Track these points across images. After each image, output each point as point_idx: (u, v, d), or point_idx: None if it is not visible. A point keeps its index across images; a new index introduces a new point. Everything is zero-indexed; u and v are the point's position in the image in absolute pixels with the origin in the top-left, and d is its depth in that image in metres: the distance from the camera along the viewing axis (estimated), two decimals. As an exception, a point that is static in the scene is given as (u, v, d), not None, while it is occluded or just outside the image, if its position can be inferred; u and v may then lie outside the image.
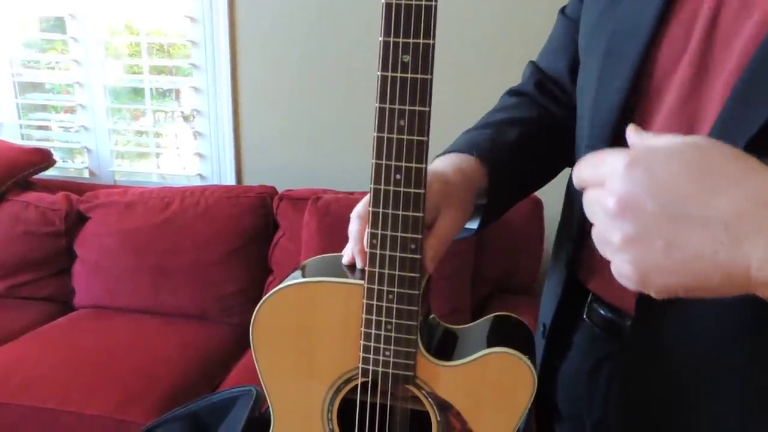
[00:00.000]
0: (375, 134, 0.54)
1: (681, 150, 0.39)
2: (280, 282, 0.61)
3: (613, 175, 0.40)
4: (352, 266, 0.61)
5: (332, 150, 2.10)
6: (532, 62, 0.79)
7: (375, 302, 0.58)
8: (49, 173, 2.18)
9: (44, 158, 2.11)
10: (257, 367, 0.64)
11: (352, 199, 1.78)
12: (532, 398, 0.59)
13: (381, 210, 0.56)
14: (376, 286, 0.58)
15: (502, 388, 0.59)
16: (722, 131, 0.49)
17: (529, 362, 0.58)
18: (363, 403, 0.64)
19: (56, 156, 2.17)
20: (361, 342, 0.60)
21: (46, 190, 2.08)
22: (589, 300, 0.65)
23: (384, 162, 0.54)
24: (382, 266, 0.57)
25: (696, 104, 0.53)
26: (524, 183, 0.73)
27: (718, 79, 0.51)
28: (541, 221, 1.83)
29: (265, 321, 0.62)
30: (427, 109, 0.53)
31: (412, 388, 0.61)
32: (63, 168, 2.34)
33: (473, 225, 0.67)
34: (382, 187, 0.55)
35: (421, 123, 0.53)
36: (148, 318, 1.89)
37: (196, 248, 1.89)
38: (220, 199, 1.93)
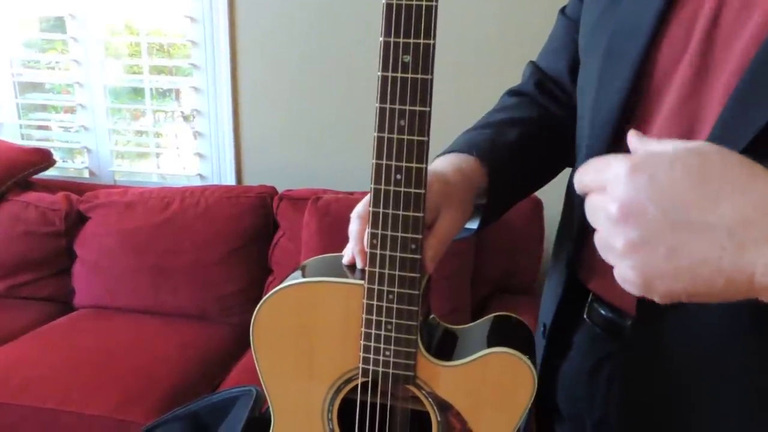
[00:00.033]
0: (375, 134, 0.54)
1: (684, 156, 0.39)
2: (280, 282, 0.61)
3: (615, 181, 0.40)
4: (352, 266, 0.61)
5: (332, 150, 2.10)
6: (532, 62, 0.79)
7: (375, 302, 0.58)
8: (49, 173, 2.18)
9: (44, 158, 2.11)
10: (257, 367, 0.64)
11: (352, 199, 1.78)
12: (533, 398, 0.59)
13: (381, 210, 0.56)
14: (376, 286, 0.58)
15: (502, 388, 0.59)
16: (723, 132, 0.49)
17: (529, 362, 0.58)
18: (363, 403, 0.64)
19: (56, 156, 2.17)
20: (362, 342, 0.60)
21: (46, 190, 2.08)
22: (589, 300, 0.65)
23: (384, 162, 0.54)
24: (382, 266, 0.57)
25: (696, 104, 0.53)
26: (524, 183, 0.73)
27: (719, 79, 0.51)
28: (541, 221, 1.83)
29: (265, 321, 0.62)
30: (428, 109, 0.53)
31: (412, 388, 0.61)
32: (63, 168, 2.34)
33: (473, 225, 0.67)
34: (383, 187, 0.55)
35: (421, 123, 0.53)
36: (148, 318, 1.89)
37: (196, 248, 1.89)
38: (220, 199, 1.93)
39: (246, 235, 1.91)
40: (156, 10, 2.14)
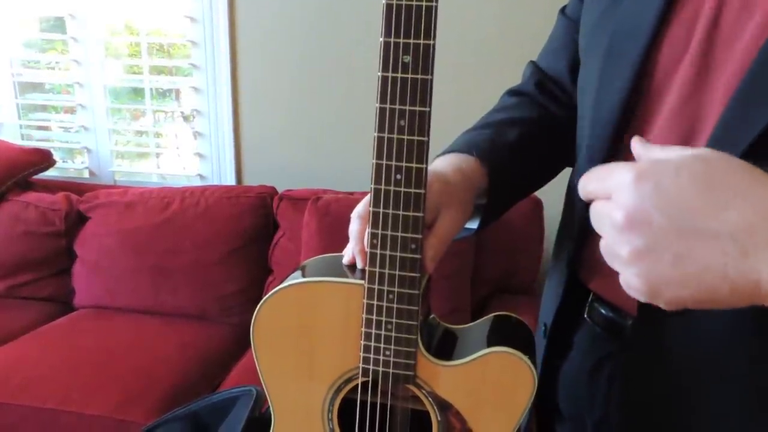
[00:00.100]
0: (375, 134, 0.54)
1: (688, 163, 0.39)
2: (281, 282, 0.61)
3: (620, 189, 0.41)
4: (352, 266, 0.61)
5: (332, 150, 2.10)
6: (532, 62, 0.79)
7: (375, 302, 0.58)
8: (49, 173, 2.18)
9: (44, 158, 2.11)
10: (257, 367, 0.64)
11: (352, 199, 1.78)
12: (532, 398, 0.59)
13: (381, 210, 0.56)
14: (376, 286, 0.58)
15: (502, 387, 0.59)
16: (724, 132, 0.49)
17: (529, 362, 0.58)
18: (363, 403, 0.64)
19: (56, 156, 2.17)
20: (362, 342, 0.60)
21: (46, 190, 2.08)
22: (590, 299, 0.65)
23: (384, 162, 0.55)
24: (382, 266, 0.57)
25: (697, 104, 0.53)
26: (524, 183, 0.73)
27: (720, 79, 0.51)
28: (541, 221, 1.83)
29: (265, 321, 0.62)
30: (428, 109, 0.53)
31: (412, 387, 0.61)
32: (63, 168, 2.34)
33: (473, 225, 0.67)
34: (383, 187, 0.55)
35: (421, 123, 0.53)
36: (148, 318, 1.89)
37: (196, 248, 1.89)
38: (220, 199, 1.93)
39: (246, 235, 1.91)
40: (156, 10, 2.14)
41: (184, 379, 1.61)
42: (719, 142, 0.48)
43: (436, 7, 0.50)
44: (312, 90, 2.06)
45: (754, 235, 0.37)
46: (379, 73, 0.52)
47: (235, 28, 2.04)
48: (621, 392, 0.61)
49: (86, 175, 2.32)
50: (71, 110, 2.33)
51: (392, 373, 0.60)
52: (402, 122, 0.53)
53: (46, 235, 1.98)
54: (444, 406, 0.61)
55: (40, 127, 2.40)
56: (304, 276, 0.61)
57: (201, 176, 2.23)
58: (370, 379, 0.61)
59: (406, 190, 0.55)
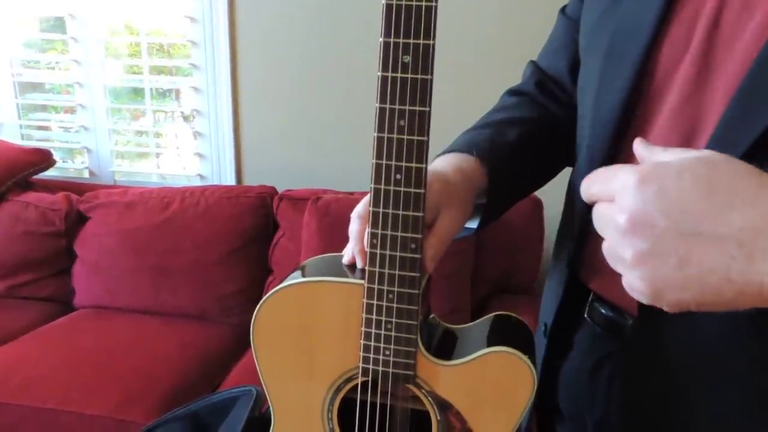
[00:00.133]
0: (375, 134, 0.54)
1: (692, 166, 0.39)
2: (280, 282, 0.61)
3: (623, 192, 0.41)
4: (352, 266, 0.61)
5: (332, 150, 2.10)
6: (532, 62, 0.79)
7: (375, 302, 0.58)
8: (49, 173, 2.18)
9: (44, 158, 2.11)
10: (257, 367, 0.64)
11: (352, 199, 1.78)
12: (532, 398, 0.59)
13: (381, 210, 0.56)
14: (376, 286, 0.58)
15: (501, 387, 0.59)
16: (725, 132, 0.49)
17: (528, 361, 0.58)
18: (363, 403, 0.64)
19: (56, 156, 2.17)
20: (362, 341, 0.60)
21: (46, 190, 2.08)
22: (590, 299, 0.65)
23: (384, 162, 0.55)
24: (382, 266, 0.57)
25: (698, 104, 0.53)
26: (524, 183, 0.73)
27: (720, 79, 0.51)
28: (541, 221, 1.83)
29: (265, 321, 0.62)
30: (427, 109, 0.53)
31: (412, 387, 0.61)
32: (63, 168, 2.34)
33: (473, 224, 0.67)
34: (383, 186, 0.55)
35: (421, 123, 0.53)
36: (148, 318, 1.89)
37: (196, 248, 1.89)
38: (220, 199, 1.93)
39: (246, 235, 1.91)
40: (156, 10, 2.14)
41: (184, 379, 1.61)
42: (720, 142, 0.48)
43: (436, 7, 0.50)
44: (312, 90, 2.06)
45: (760, 239, 0.37)
46: (379, 73, 0.52)
47: (235, 28, 2.04)
48: (621, 392, 0.61)
49: (86, 175, 2.32)
50: (71, 110, 2.33)
51: (392, 372, 0.60)
52: (402, 122, 0.53)
53: (46, 235, 1.98)
54: (444, 406, 0.61)
55: (40, 127, 2.41)
56: (304, 276, 0.61)
57: (201, 176, 2.23)
58: (370, 378, 0.61)
59: (405, 189, 0.55)
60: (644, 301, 0.42)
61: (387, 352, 0.59)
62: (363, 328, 0.59)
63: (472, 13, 1.89)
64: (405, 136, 0.53)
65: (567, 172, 0.74)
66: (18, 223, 1.97)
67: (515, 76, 0.81)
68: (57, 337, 1.77)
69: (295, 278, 0.61)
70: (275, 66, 2.07)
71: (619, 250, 0.41)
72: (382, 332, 0.59)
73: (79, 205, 2.00)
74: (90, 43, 2.16)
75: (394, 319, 0.58)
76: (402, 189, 0.55)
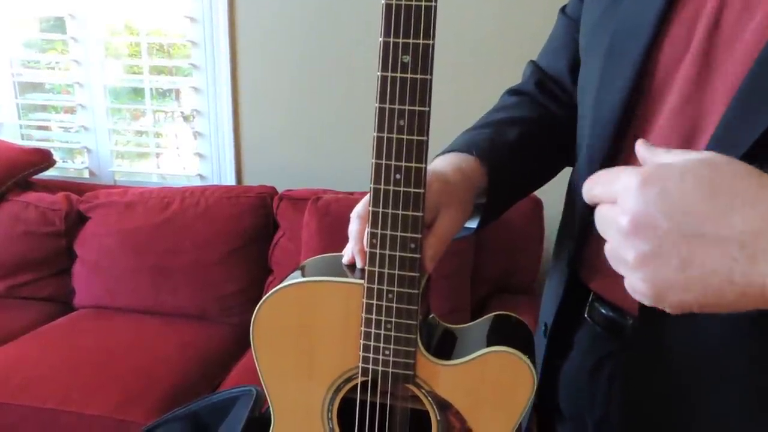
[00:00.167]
0: (375, 134, 0.54)
1: (694, 167, 0.39)
2: (280, 282, 0.61)
3: (626, 194, 0.41)
4: (352, 266, 0.61)
5: (332, 150, 2.10)
6: (532, 62, 0.79)
7: (375, 301, 0.58)
8: (49, 173, 2.18)
9: (44, 158, 2.11)
10: (257, 367, 0.64)
11: (352, 199, 1.78)
12: (532, 397, 0.59)
13: (381, 209, 0.56)
14: (376, 286, 0.58)
15: (501, 387, 0.59)
16: (726, 132, 0.49)
17: (528, 361, 0.58)
18: (363, 403, 0.64)
19: (56, 156, 2.17)
20: (361, 341, 0.60)
21: (46, 190, 2.08)
22: (590, 299, 0.65)
23: (384, 162, 0.54)
24: (382, 265, 0.57)
25: (698, 104, 0.53)
26: (524, 182, 0.73)
27: (721, 79, 0.51)
28: (541, 221, 1.83)
29: (265, 321, 0.62)
30: (427, 109, 0.53)
31: (411, 387, 0.61)
32: (63, 168, 2.34)
33: (473, 224, 0.67)
34: (382, 186, 0.55)
35: (420, 123, 0.53)
36: (148, 318, 1.89)
37: (196, 248, 1.89)
38: (220, 199, 1.93)
39: (246, 235, 1.91)
40: (156, 10, 2.14)
41: (184, 379, 1.61)
42: (720, 142, 0.48)
43: (436, 7, 0.50)
44: (312, 90, 2.06)
45: (762, 241, 0.37)
46: (379, 73, 0.52)
47: (235, 28, 2.04)
48: (621, 392, 0.61)
49: (86, 175, 2.32)
50: (71, 110, 2.33)
51: (392, 372, 0.60)
52: (401, 122, 0.53)
53: (46, 235, 1.98)
54: (443, 406, 0.61)
55: (40, 127, 2.41)
56: (303, 276, 0.61)
57: (201, 176, 2.23)
58: (370, 378, 0.61)
59: (405, 189, 0.55)
60: (646, 302, 0.42)
61: (387, 352, 0.59)
62: (363, 328, 0.59)
63: (472, 13, 1.89)
64: (405, 136, 0.53)
65: (567, 172, 0.74)
66: (18, 223, 1.97)
67: (515, 76, 0.81)
68: (57, 337, 1.77)
69: (295, 278, 0.61)
70: (275, 66, 2.07)
71: (621, 251, 0.41)
72: (382, 332, 0.59)
73: (79, 205, 2.00)
74: (90, 43, 2.16)
75: (393, 319, 0.58)
76: (402, 189, 0.55)
